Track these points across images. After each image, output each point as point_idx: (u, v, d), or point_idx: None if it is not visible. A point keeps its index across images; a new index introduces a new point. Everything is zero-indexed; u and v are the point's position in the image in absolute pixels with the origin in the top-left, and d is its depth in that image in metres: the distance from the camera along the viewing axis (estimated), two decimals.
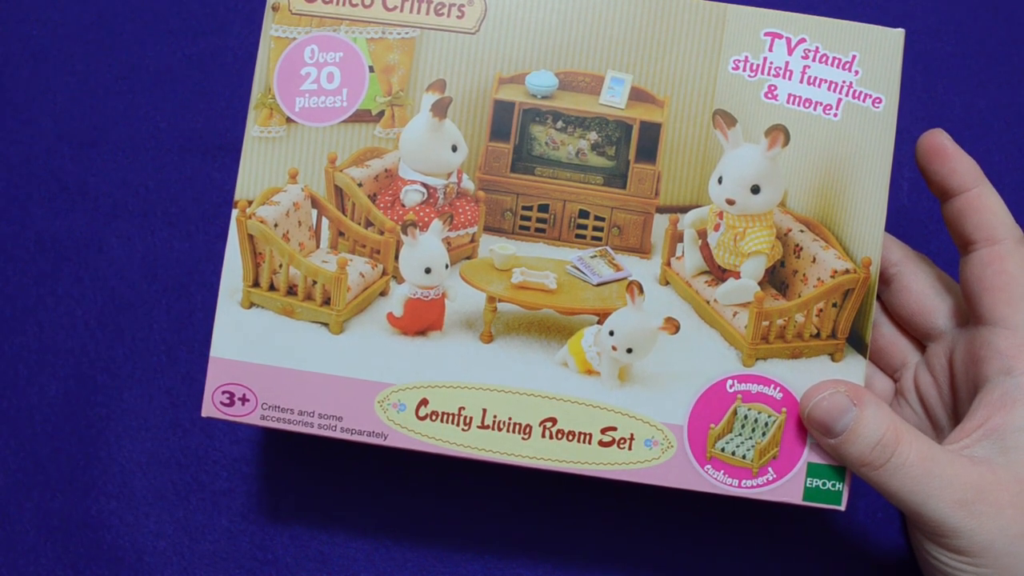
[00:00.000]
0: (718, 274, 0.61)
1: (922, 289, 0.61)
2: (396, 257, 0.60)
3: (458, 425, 0.58)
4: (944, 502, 0.52)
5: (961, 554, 0.53)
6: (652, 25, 0.59)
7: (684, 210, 0.61)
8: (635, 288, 0.58)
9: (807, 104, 0.58)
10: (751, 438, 0.57)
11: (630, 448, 0.57)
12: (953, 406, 0.60)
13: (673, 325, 0.57)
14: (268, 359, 0.58)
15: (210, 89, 0.77)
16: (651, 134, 0.61)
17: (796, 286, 0.61)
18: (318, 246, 0.62)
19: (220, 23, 0.78)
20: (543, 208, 0.62)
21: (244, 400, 0.58)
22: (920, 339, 0.62)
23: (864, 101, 0.58)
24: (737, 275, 0.60)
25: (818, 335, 0.59)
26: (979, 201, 0.57)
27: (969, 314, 0.58)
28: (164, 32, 0.78)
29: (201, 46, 0.78)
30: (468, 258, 0.62)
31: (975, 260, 0.56)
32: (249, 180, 0.59)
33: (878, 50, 0.58)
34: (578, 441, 0.57)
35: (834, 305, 0.59)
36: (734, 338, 0.59)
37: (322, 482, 0.70)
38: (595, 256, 0.61)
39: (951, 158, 0.57)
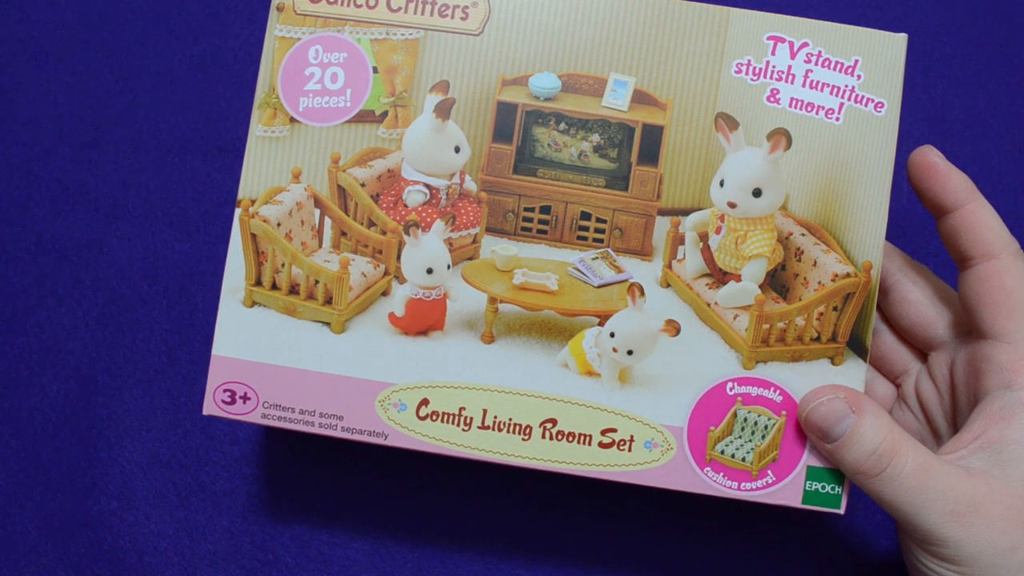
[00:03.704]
0: (719, 277, 0.61)
1: (920, 300, 0.61)
2: (398, 257, 0.60)
3: (458, 425, 0.58)
4: (936, 513, 0.52)
5: (949, 562, 0.53)
6: (655, 28, 0.59)
7: (686, 213, 0.61)
8: (636, 290, 0.58)
9: (809, 108, 0.58)
10: (751, 441, 0.57)
11: (630, 450, 0.57)
12: (953, 415, 0.60)
13: (673, 327, 0.58)
14: (270, 358, 0.58)
15: (211, 90, 0.77)
16: (653, 137, 0.62)
17: (797, 289, 0.61)
18: (320, 246, 0.63)
19: (221, 24, 0.78)
20: (545, 209, 0.62)
21: (245, 398, 0.58)
22: (921, 348, 0.62)
23: (866, 105, 0.58)
24: (738, 278, 0.60)
25: (818, 339, 0.59)
26: (974, 216, 0.57)
27: (969, 327, 0.58)
28: (164, 33, 0.78)
29: (202, 47, 0.78)
30: (470, 259, 0.62)
31: (973, 275, 0.56)
32: (252, 179, 0.59)
33: (880, 55, 0.58)
34: (578, 442, 0.57)
35: (835, 309, 0.59)
36: (734, 341, 0.59)
37: (322, 482, 0.70)
38: (596, 258, 0.61)
39: (942, 175, 0.57)
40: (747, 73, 0.59)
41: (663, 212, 0.62)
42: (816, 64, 0.58)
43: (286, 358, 0.58)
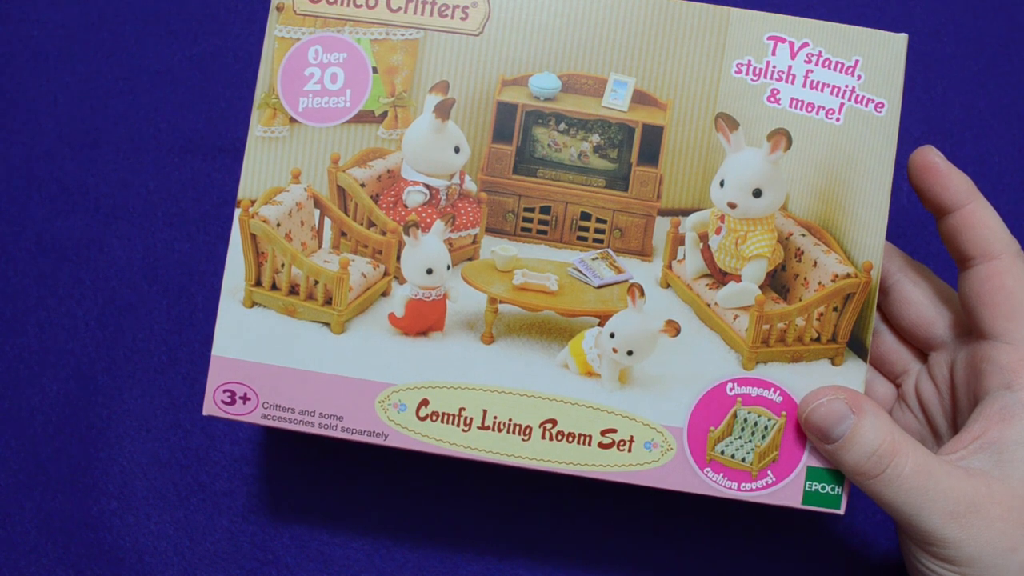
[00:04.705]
0: (719, 277, 0.61)
1: (921, 300, 0.61)
2: (398, 258, 0.60)
3: (458, 426, 0.58)
4: (937, 514, 0.52)
5: (950, 563, 0.53)
6: (655, 28, 0.59)
7: (686, 213, 0.61)
8: (636, 290, 0.58)
9: (809, 108, 0.58)
10: (751, 441, 0.57)
11: (630, 450, 0.57)
12: (953, 415, 0.60)
13: (673, 328, 0.58)
14: (270, 358, 0.58)
15: (211, 90, 0.77)
16: (653, 137, 0.62)
17: (797, 290, 0.61)
18: (320, 246, 0.63)
19: (221, 24, 0.78)
20: (545, 210, 0.62)
21: (245, 399, 0.58)
22: (921, 348, 0.62)
23: (866, 106, 0.58)
24: (738, 278, 0.60)
25: (818, 339, 0.59)
26: (974, 217, 0.57)
27: (969, 327, 0.58)
28: (165, 33, 0.78)
29: (202, 47, 0.78)
30: (470, 259, 0.62)
31: (973, 275, 0.56)
32: (252, 180, 0.59)
33: (881, 55, 0.58)
34: (578, 443, 0.57)
35: (835, 309, 0.59)
36: (734, 341, 0.59)
37: (322, 482, 0.70)
38: (596, 258, 0.61)
39: (943, 175, 0.57)
40: (747, 73, 0.59)
41: (663, 212, 0.62)
42: (816, 64, 0.58)
43: (286, 358, 0.58)
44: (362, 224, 0.62)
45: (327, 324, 0.59)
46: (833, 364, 0.59)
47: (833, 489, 0.57)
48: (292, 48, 0.59)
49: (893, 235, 0.73)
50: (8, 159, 0.76)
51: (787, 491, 0.57)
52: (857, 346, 0.59)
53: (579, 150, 0.63)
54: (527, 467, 0.57)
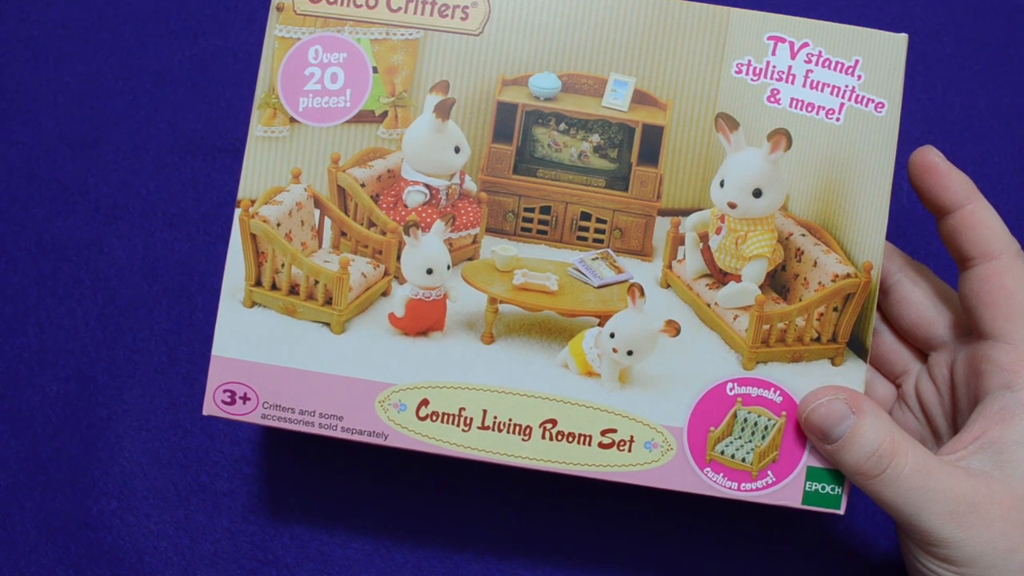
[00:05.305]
0: (719, 277, 0.61)
1: (921, 300, 0.61)
2: (398, 258, 0.60)
3: (458, 426, 0.58)
4: (936, 514, 0.52)
5: (949, 563, 0.53)
6: (655, 28, 0.59)
7: (686, 213, 0.61)
8: (636, 290, 0.58)
9: (809, 108, 0.58)
10: (751, 441, 0.57)
11: (630, 450, 0.57)
12: (953, 415, 0.60)
13: (673, 328, 0.58)
14: (270, 358, 0.58)
15: (211, 90, 0.77)
16: (653, 137, 0.62)
17: (797, 290, 0.61)
18: (320, 246, 0.63)
19: (221, 24, 0.78)
20: (545, 210, 0.62)
21: (245, 399, 0.58)
22: (921, 348, 0.62)
23: (866, 106, 0.58)
24: (738, 278, 0.60)
25: (819, 339, 0.59)
26: (974, 217, 0.57)
27: (969, 328, 0.58)
28: (165, 33, 0.78)
29: (202, 47, 0.78)
30: (470, 259, 0.62)
31: (973, 276, 0.56)
32: (252, 179, 0.59)
33: (881, 55, 0.58)
34: (578, 443, 0.57)
35: (835, 309, 0.59)
36: (734, 341, 0.59)
37: (322, 482, 0.70)
38: (596, 258, 0.61)
39: (943, 175, 0.57)
40: (747, 73, 0.59)
41: (663, 212, 0.62)
42: (816, 64, 0.58)
43: (286, 358, 0.58)
44: (362, 224, 0.62)
45: (327, 324, 0.59)
46: (833, 364, 0.59)
47: (833, 489, 0.57)
48: (292, 48, 0.59)
49: (893, 235, 0.73)
50: (8, 159, 0.76)
51: (787, 491, 0.57)
52: (857, 346, 0.59)
53: (579, 150, 0.63)
54: (527, 467, 0.57)
